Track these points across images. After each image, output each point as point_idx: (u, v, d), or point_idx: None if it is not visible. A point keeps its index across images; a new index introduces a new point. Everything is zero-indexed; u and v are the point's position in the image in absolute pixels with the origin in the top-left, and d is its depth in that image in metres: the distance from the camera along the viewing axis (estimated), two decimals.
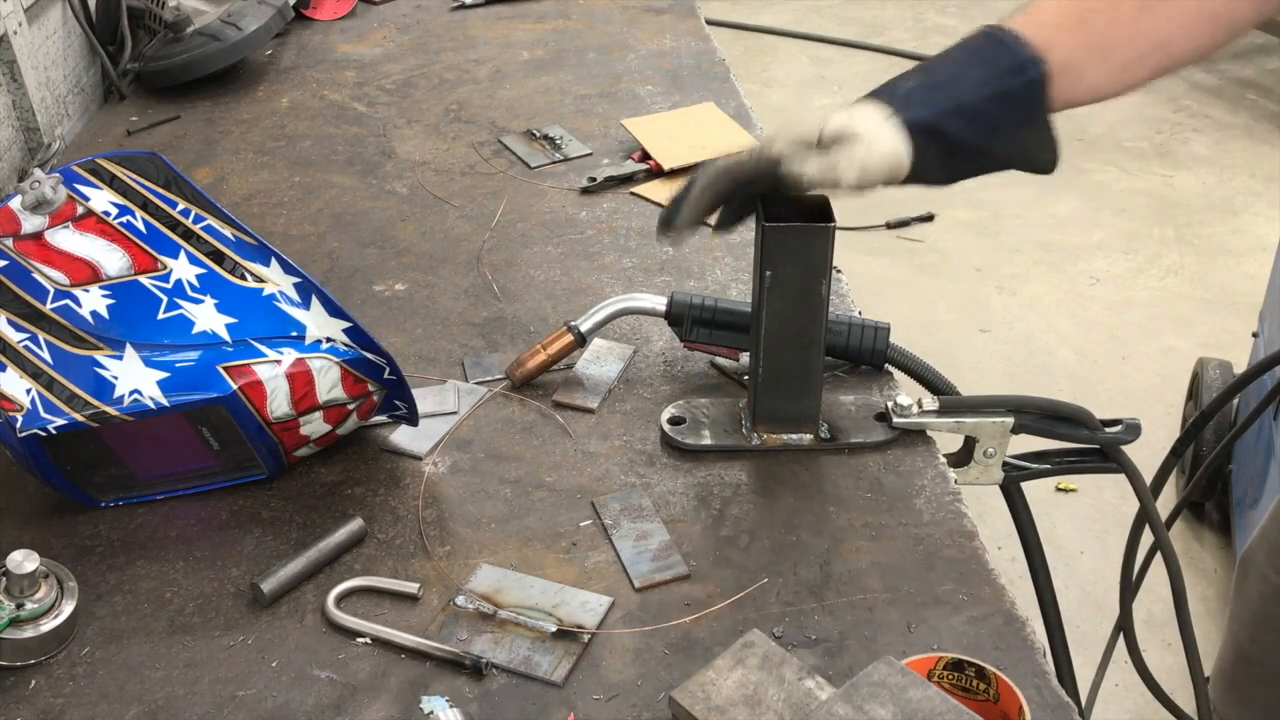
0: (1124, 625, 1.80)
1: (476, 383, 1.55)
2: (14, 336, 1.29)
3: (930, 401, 1.40)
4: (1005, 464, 1.42)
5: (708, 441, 1.40)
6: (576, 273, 1.79)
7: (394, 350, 1.47)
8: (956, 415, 1.39)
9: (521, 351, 1.54)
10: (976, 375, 3.39)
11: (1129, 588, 1.76)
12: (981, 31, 1.20)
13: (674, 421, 1.43)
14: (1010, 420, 1.38)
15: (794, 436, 1.40)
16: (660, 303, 1.53)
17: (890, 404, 1.40)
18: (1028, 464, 1.46)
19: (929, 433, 1.40)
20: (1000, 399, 1.40)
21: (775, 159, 1.21)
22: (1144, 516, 1.42)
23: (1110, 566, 2.28)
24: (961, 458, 1.41)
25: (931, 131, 1.17)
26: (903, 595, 1.20)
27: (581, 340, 1.52)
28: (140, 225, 1.36)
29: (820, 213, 1.30)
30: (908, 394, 1.41)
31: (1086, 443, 1.40)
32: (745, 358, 1.53)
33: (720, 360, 1.55)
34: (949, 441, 1.41)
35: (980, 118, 1.17)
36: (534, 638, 1.17)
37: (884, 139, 1.16)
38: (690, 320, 1.51)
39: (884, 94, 1.19)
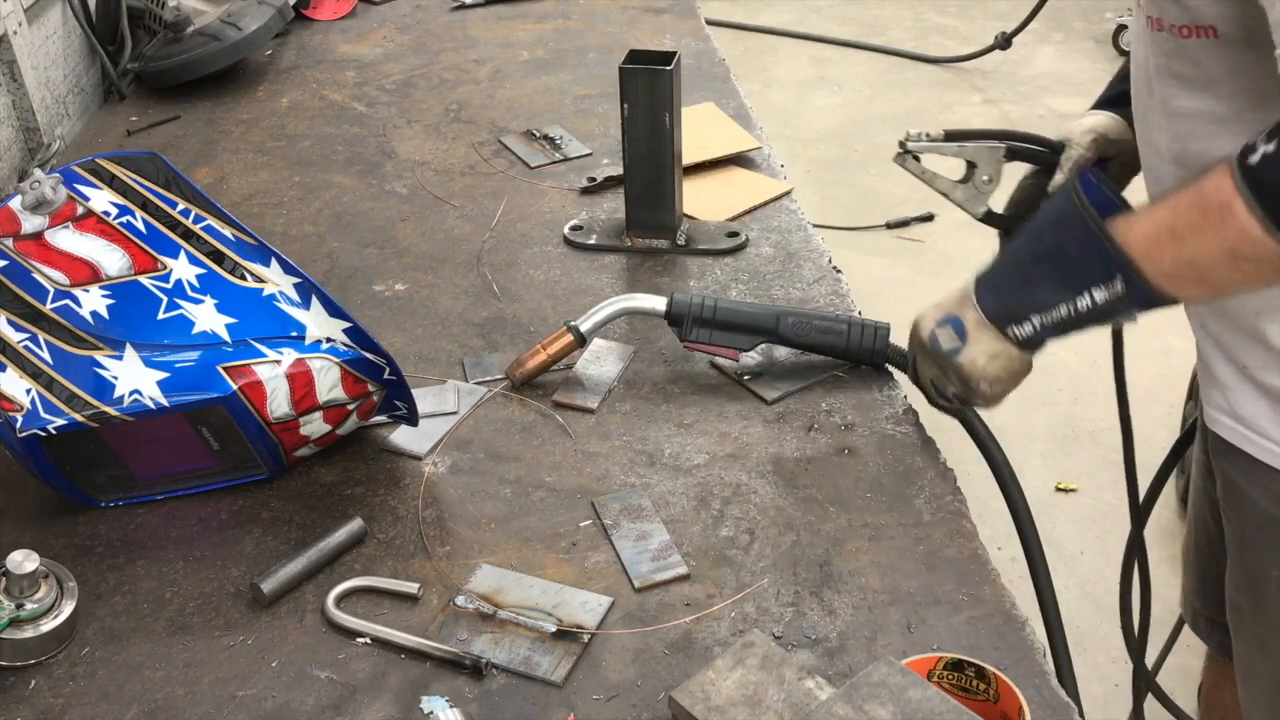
0: (1124, 625, 1.80)
1: (476, 383, 1.55)
2: (14, 336, 1.29)
3: (936, 130, 1.47)
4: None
5: (593, 241, 1.83)
6: (576, 273, 1.79)
7: (394, 350, 1.47)
8: (959, 141, 1.47)
9: (521, 351, 1.54)
10: None
11: (1129, 588, 1.76)
12: None
13: (574, 228, 1.86)
14: (1004, 146, 1.46)
15: (657, 241, 1.80)
16: (660, 303, 1.53)
17: (904, 135, 1.46)
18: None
19: (934, 440, 1.40)
20: (991, 130, 1.47)
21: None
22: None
23: (1110, 566, 2.28)
24: (962, 180, 1.49)
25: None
26: (903, 595, 1.20)
27: (581, 340, 1.52)
28: (140, 225, 1.36)
29: (664, 59, 1.68)
30: (916, 126, 1.48)
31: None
32: (745, 358, 1.53)
33: (720, 360, 1.55)
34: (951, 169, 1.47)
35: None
36: (534, 638, 1.17)
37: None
38: (690, 320, 1.51)
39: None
